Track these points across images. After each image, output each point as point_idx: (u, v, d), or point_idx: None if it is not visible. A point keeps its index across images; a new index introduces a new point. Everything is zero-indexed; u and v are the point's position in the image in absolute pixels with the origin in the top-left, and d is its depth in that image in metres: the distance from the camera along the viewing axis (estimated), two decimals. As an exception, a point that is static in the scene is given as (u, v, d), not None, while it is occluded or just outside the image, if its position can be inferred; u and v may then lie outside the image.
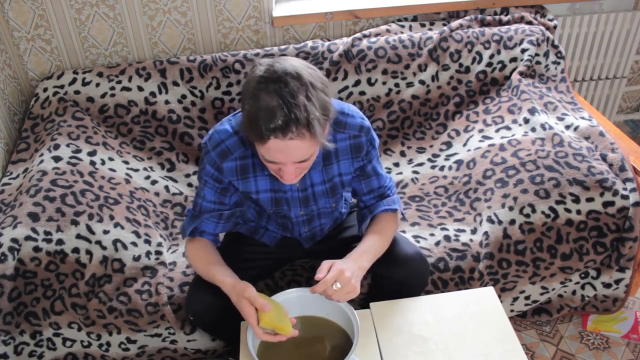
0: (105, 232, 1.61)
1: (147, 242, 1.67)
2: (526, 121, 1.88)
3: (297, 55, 2.07)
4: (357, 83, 2.08)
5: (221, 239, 1.52)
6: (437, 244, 1.67)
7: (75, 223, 1.59)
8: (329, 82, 1.20)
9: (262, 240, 1.54)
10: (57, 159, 1.75)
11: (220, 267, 1.33)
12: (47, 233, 1.55)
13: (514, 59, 2.09)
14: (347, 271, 1.23)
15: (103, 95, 1.99)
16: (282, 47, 2.09)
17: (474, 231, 1.71)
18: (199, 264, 1.37)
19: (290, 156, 1.16)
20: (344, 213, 1.59)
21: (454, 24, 2.14)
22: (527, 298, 1.73)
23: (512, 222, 1.64)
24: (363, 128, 1.34)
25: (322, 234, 1.55)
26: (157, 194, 1.89)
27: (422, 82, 2.09)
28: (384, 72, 2.08)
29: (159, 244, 1.68)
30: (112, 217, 1.65)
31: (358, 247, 1.33)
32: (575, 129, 1.87)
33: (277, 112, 1.08)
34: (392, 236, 1.41)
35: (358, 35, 2.12)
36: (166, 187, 1.93)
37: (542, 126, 1.83)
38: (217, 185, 1.35)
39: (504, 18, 2.23)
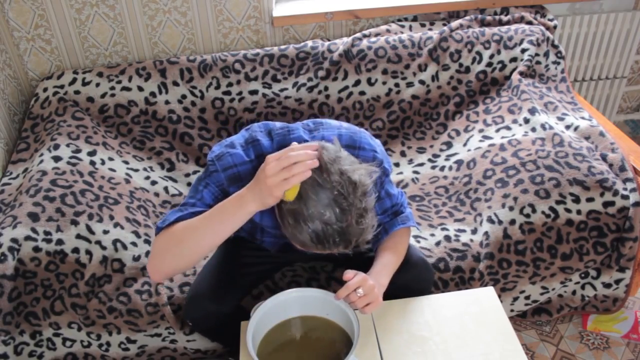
0: (105, 232, 1.61)
1: (147, 242, 1.67)
2: (526, 121, 1.88)
3: (297, 56, 2.07)
4: (357, 83, 2.08)
5: None
6: (438, 244, 1.67)
7: (75, 223, 1.59)
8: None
9: (263, 245, 1.53)
10: (57, 159, 1.75)
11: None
12: (47, 233, 1.55)
13: (514, 59, 2.09)
14: (370, 280, 1.22)
15: (103, 95, 1.99)
16: (282, 47, 2.09)
17: (474, 231, 1.71)
18: (185, 229, 1.18)
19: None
20: None
21: (454, 24, 2.14)
22: (527, 298, 1.73)
23: (513, 222, 1.64)
24: (375, 160, 1.29)
25: None
26: (156, 194, 1.89)
27: (422, 82, 2.09)
28: (384, 72, 2.08)
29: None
30: (112, 217, 1.65)
31: (375, 265, 1.32)
32: (576, 129, 1.87)
33: (328, 238, 1.06)
34: (405, 251, 1.40)
35: (358, 35, 2.12)
36: (165, 188, 1.93)
37: (542, 126, 1.83)
38: (220, 193, 1.27)
39: (504, 18, 2.23)
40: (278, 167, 1.05)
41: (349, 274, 1.22)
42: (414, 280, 1.41)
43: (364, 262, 1.51)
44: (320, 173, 1.07)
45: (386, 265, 1.32)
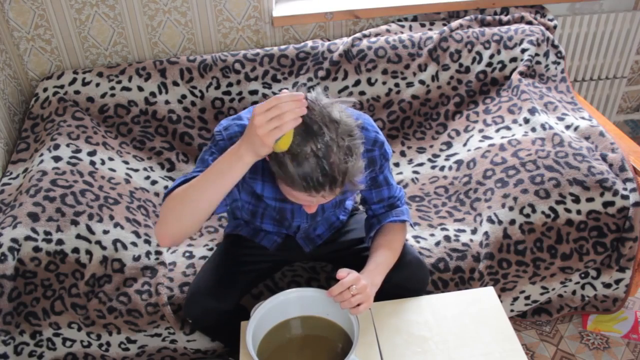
0: (105, 232, 1.61)
1: (147, 242, 1.67)
2: (526, 121, 1.88)
3: (297, 56, 2.07)
4: (357, 83, 2.08)
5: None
6: (437, 244, 1.67)
7: (75, 223, 1.59)
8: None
9: (261, 244, 1.53)
10: (57, 159, 1.75)
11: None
12: (47, 233, 1.55)
13: (514, 59, 2.09)
14: (363, 279, 1.23)
15: (103, 95, 1.99)
16: (282, 47, 2.09)
17: (474, 231, 1.71)
18: (186, 188, 1.16)
19: (317, 203, 1.15)
20: (343, 220, 1.58)
21: (454, 24, 2.14)
22: (527, 298, 1.73)
23: (512, 222, 1.64)
24: (377, 142, 1.31)
25: (321, 239, 1.55)
26: (156, 194, 1.89)
27: (422, 82, 2.09)
28: (384, 72, 2.08)
29: (159, 244, 1.68)
30: (112, 217, 1.65)
31: (369, 263, 1.32)
32: (576, 129, 1.87)
33: (312, 173, 1.05)
34: (401, 248, 1.40)
35: (358, 35, 2.12)
36: (166, 188, 1.93)
37: (542, 126, 1.83)
38: None
39: (504, 18, 2.23)
40: (266, 118, 1.02)
41: (342, 272, 1.22)
42: (407, 279, 1.41)
43: (361, 262, 1.51)
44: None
45: (380, 264, 1.32)
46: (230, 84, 2.05)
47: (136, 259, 1.61)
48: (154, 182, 1.92)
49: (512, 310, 1.77)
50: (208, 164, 1.22)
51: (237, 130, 1.24)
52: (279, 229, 1.49)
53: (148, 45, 2.13)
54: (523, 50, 2.08)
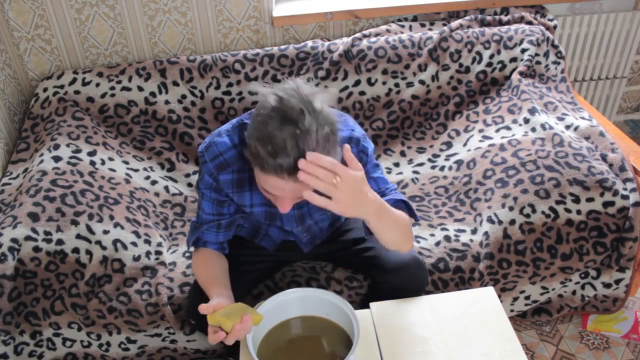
0: (105, 232, 1.61)
1: (147, 242, 1.67)
2: (526, 121, 1.88)
3: (297, 56, 2.07)
4: (357, 83, 2.08)
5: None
6: (437, 244, 1.67)
7: (75, 223, 1.59)
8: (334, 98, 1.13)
9: (261, 244, 1.53)
10: (57, 159, 1.75)
11: (215, 285, 1.29)
12: (47, 233, 1.56)
13: (514, 59, 2.09)
14: (363, 185, 1.10)
15: (103, 95, 1.99)
16: (282, 47, 2.09)
17: (474, 231, 1.71)
18: (200, 278, 1.35)
19: (290, 194, 1.11)
20: (342, 217, 1.58)
21: (454, 24, 2.14)
22: (527, 298, 1.73)
23: (512, 222, 1.64)
24: (352, 139, 1.29)
25: (322, 237, 1.55)
26: (157, 194, 1.89)
27: (422, 82, 2.09)
28: (384, 72, 2.08)
29: (159, 244, 1.68)
30: (112, 217, 1.65)
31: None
32: (576, 129, 1.87)
33: (287, 154, 1.02)
34: (408, 227, 1.27)
35: (358, 35, 2.12)
36: (166, 188, 1.93)
37: (542, 126, 1.83)
38: (215, 197, 1.32)
39: (504, 18, 2.23)
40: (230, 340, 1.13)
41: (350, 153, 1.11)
42: (406, 280, 1.40)
43: (361, 262, 1.51)
44: (280, 99, 1.05)
45: (391, 209, 1.20)
46: (230, 84, 2.05)
47: (136, 259, 1.61)
48: (154, 182, 1.92)
49: (512, 310, 1.77)
50: (203, 208, 1.35)
51: (216, 150, 1.27)
52: (285, 237, 1.50)
53: (148, 45, 2.13)
54: (523, 50, 2.08)
